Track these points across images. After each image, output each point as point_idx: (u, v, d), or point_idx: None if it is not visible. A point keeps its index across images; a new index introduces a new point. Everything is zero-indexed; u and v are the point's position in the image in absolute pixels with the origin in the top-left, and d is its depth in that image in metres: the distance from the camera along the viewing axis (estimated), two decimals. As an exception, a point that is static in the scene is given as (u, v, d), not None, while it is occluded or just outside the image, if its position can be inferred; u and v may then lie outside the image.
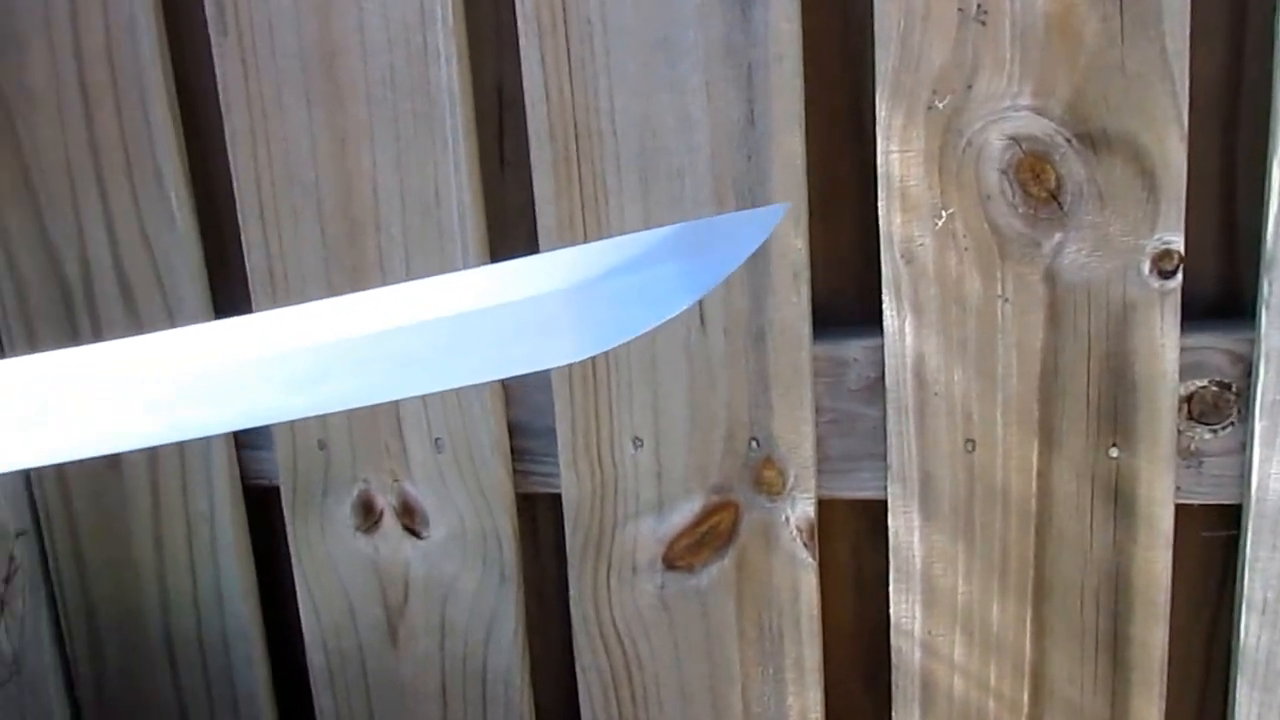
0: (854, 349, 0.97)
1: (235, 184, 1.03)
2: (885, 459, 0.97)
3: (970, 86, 0.88)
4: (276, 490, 1.13)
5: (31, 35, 1.04)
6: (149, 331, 1.08)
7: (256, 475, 1.13)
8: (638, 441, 1.00)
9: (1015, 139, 0.88)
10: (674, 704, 1.06)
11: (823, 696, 1.03)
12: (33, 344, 1.11)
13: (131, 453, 1.13)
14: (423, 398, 1.04)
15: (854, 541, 1.07)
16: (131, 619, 1.18)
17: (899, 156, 0.90)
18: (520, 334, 0.49)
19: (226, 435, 1.11)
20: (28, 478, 1.17)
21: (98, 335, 1.10)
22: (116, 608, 1.19)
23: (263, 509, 1.16)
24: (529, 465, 1.06)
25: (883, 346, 0.95)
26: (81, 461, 1.16)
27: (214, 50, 1.00)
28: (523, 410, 1.04)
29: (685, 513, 1.01)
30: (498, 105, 1.04)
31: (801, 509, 0.98)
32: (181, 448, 1.11)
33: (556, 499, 1.06)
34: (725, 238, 0.50)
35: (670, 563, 1.02)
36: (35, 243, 1.09)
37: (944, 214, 0.91)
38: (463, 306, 0.49)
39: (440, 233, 0.99)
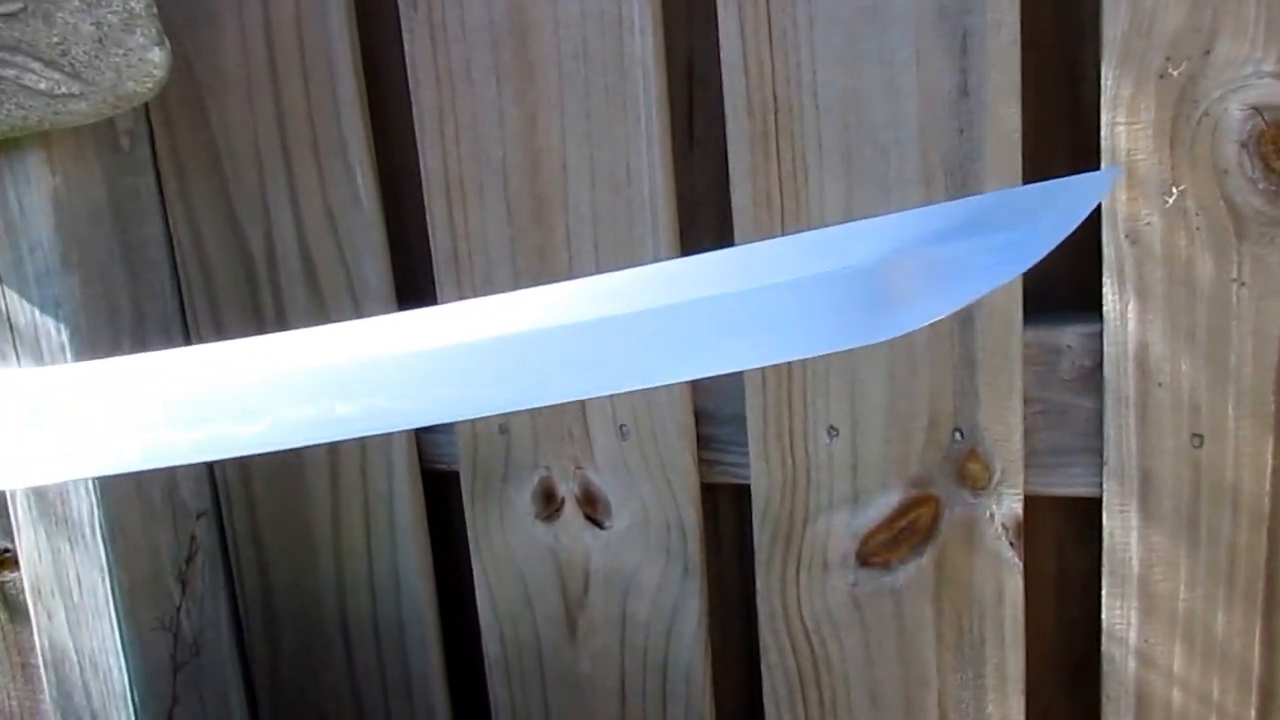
0: (1068, 335, 0.91)
1: (421, 161, 1.01)
2: (1100, 454, 0.90)
3: (1208, 52, 0.81)
4: (454, 475, 1.11)
5: (223, 12, 1.03)
6: (331, 312, 1.07)
7: (435, 459, 1.12)
8: (833, 431, 0.95)
9: (1257, 109, 0.81)
10: (864, 708, 1.01)
11: (1024, 704, 0.97)
12: (216, 323, 1.11)
13: (311, 434, 1.12)
14: (607, 382, 1.01)
15: (1058, 540, 1.01)
16: (307, 601, 1.18)
17: (1125, 129, 0.84)
18: (817, 311, 0.45)
19: (405, 418, 1.09)
20: (209, 458, 1.17)
21: (280, 314, 1.09)
22: (293, 590, 1.18)
23: (440, 494, 1.14)
24: (714, 454, 1.02)
25: (1100, 333, 0.89)
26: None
27: (403, 24, 0.98)
28: (709, 397, 1.01)
29: (882, 507, 0.96)
30: (687, 80, 1.00)
31: (1008, 505, 0.93)
32: (361, 430, 1.10)
33: (739, 490, 1.03)
34: (1053, 205, 0.45)
35: (864, 559, 0.97)
36: (221, 221, 1.09)
37: (1174, 191, 0.84)
38: (756, 280, 0.45)
39: (630, 211, 0.96)
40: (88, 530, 1.08)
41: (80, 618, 1.12)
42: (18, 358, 1.05)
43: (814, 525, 0.98)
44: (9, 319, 1.06)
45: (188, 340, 1.13)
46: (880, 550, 0.97)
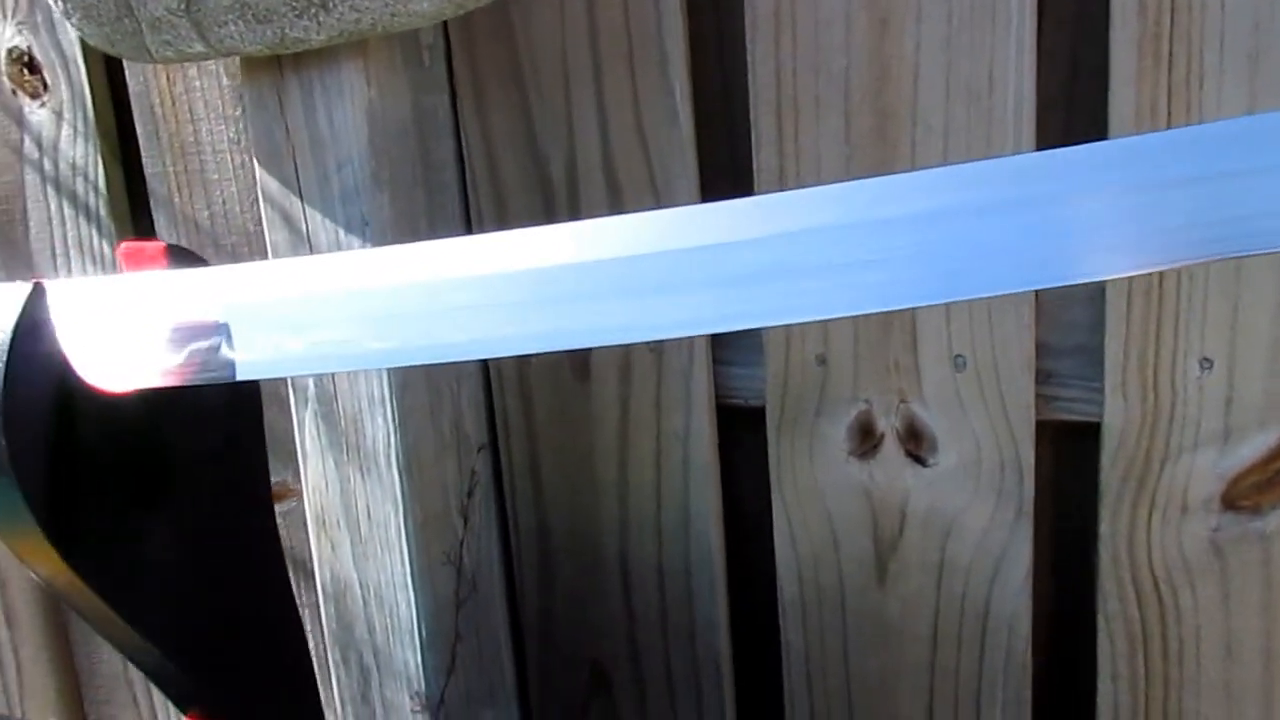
0: None
1: (750, 74, 0.95)
2: None
3: None
4: (744, 411, 1.06)
5: (542, -84, 0.99)
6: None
7: (729, 394, 1.07)
8: (1205, 363, 0.88)
9: None
10: (1216, 662, 0.94)
11: (1400, 663, 0.90)
12: (507, 250, 1.07)
13: (603, 366, 1.08)
14: (945, 310, 0.95)
15: None
16: (586, 541, 1.14)
17: None
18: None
19: (706, 348, 1.04)
20: (489, 388, 1.13)
21: (579, 240, 1.05)
22: (571, 529, 1.14)
23: (726, 430, 1.09)
24: (1051, 389, 0.96)
25: None
26: (547, 374, 1.11)
27: (740, -74, 0.93)
28: (1051, 329, 0.94)
29: (1257, 446, 0.89)
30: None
31: (1405, 445, 0.85)
32: (659, 361, 1.05)
33: (1071, 428, 0.96)
34: None
35: (1230, 503, 0.91)
36: (520, 143, 1.05)
37: None
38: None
39: (989, 123, 0.89)
40: (383, 460, 1.04)
41: (368, 550, 1.09)
42: (317, 280, 1.02)
43: (1174, 465, 0.91)
44: (309, 239, 1.02)
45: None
46: (1250, 493, 0.90)
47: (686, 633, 1.12)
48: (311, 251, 1.02)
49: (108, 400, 0.54)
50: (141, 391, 0.57)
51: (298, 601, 1.28)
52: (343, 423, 1.05)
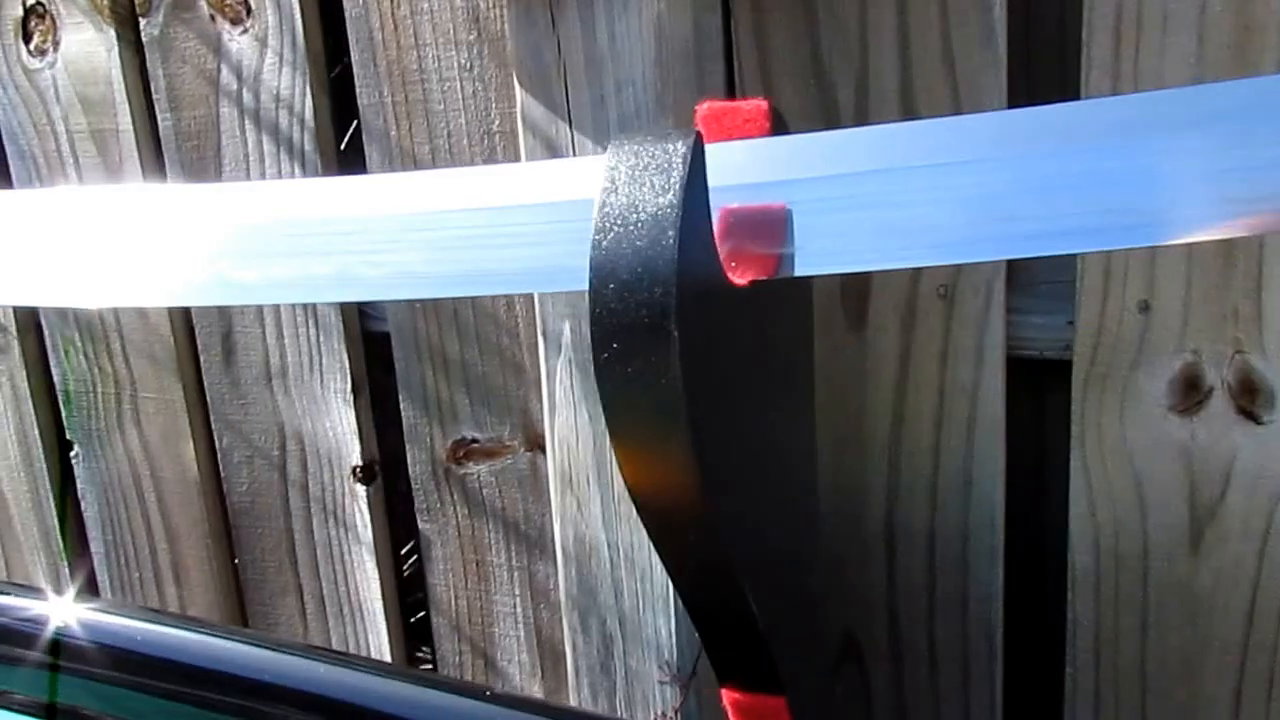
0: None
1: (1088, -13, 0.86)
2: None
3: None
4: (1037, 363, 0.97)
5: None
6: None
7: (1021, 344, 0.98)
8: None
9: None
10: None
11: None
12: (778, 185, 0.98)
13: (882, 314, 0.99)
14: (1303, 251, 0.86)
15: None
16: (849, 503, 1.05)
17: None
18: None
19: (1002, 294, 0.95)
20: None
21: (864, 175, 0.96)
22: (832, 488, 1.06)
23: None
24: None
25: None
26: (817, 321, 1.03)
27: None
28: None
29: None
30: None
31: None
32: (949, 309, 0.96)
33: None
34: None
35: None
36: (801, 65, 0.96)
37: None
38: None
39: (1379, 40, 0.80)
40: (646, 412, 0.96)
41: (622, 509, 1.01)
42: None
43: None
44: (575, 171, 0.94)
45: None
46: None
47: (957, 603, 1.04)
48: (578, 184, 0.93)
49: (735, 291, 0.45)
50: (755, 283, 0.48)
51: (514, 563, 1.21)
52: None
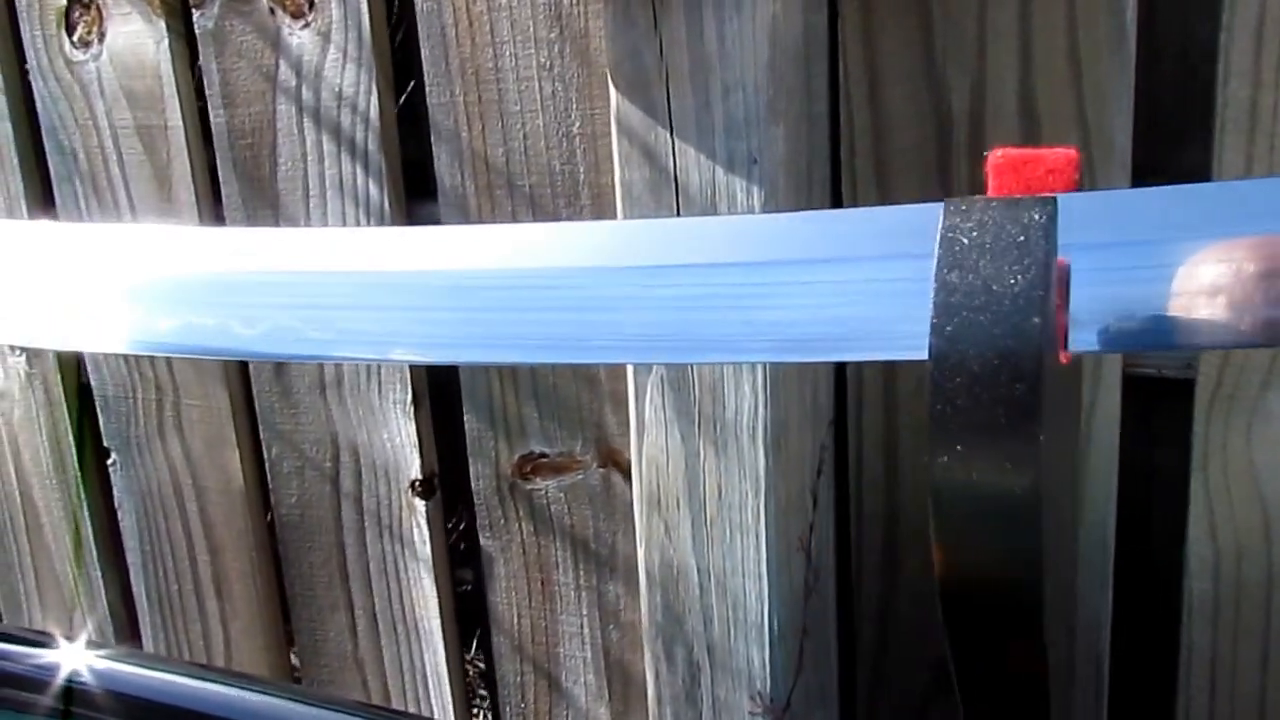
0: None
1: (1231, -9, 0.81)
2: None
3: None
4: (1141, 381, 0.93)
5: None
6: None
7: (1140, 362, 0.93)
8: None
9: None
10: None
11: None
12: (882, 189, 0.94)
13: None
14: None
15: None
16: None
17: None
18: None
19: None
20: (841, 354, 1.00)
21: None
22: (923, 513, 1.01)
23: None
24: None
25: None
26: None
27: None
28: None
29: None
30: None
31: None
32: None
33: None
34: None
35: None
36: (912, 67, 0.91)
37: None
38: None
39: None
40: (745, 434, 0.91)
41: (714, 533, 0.96)
42: (685, 225, 0.88)
43: None
44: (675, 179, 0.89)
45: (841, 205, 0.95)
46: None
47: (1064, 629, 0.99)
48: (677, 192, 0.88)
49: (1062, 369, 0.40)
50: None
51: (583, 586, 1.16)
52: (696, 390, 0.92)
